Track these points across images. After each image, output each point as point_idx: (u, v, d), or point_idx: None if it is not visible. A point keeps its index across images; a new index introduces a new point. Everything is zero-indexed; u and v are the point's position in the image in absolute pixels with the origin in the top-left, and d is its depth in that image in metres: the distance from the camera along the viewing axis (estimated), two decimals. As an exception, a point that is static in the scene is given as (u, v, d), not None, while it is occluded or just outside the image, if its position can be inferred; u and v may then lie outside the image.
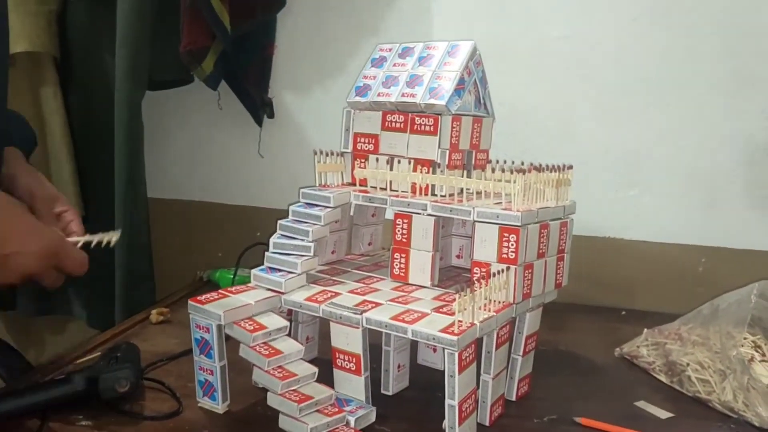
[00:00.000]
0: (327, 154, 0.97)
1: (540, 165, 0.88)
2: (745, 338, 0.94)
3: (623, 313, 1.27)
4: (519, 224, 0.80)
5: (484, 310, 0.79)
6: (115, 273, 1.31)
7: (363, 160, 0.96)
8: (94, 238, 0.88)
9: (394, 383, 0.89)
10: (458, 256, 1.02)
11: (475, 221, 0.83)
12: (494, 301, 0.80)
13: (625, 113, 1.30)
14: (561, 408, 0.86)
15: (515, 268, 0.81)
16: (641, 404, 0.89)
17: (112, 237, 0.88)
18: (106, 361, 0.86)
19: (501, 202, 0.84)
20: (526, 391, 0.91)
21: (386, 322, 0.77)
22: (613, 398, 0.91)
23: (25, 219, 0.78)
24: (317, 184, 0.95)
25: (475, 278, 0.80)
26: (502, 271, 0.80)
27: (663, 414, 0.86)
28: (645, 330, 1.05)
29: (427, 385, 0.91)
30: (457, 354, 0.72)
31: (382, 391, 0.89)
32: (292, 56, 1.45)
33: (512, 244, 0.81)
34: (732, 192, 1.27)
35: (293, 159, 1.47)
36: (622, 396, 0.91)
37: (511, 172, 0.84)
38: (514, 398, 0.89)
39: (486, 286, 0.78)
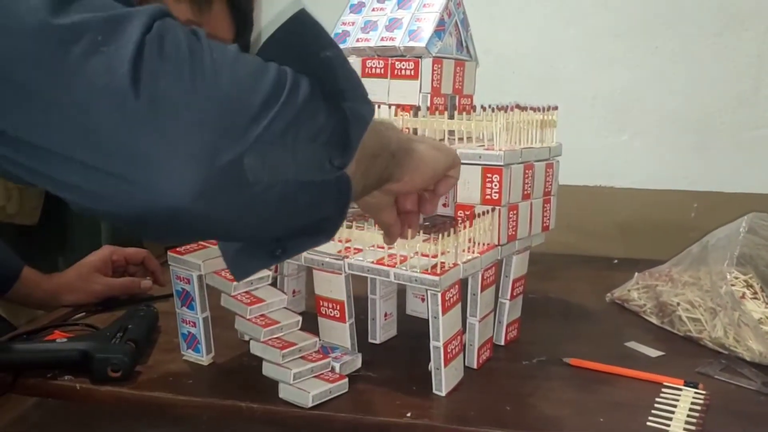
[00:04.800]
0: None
1: (524, 106, 0.86)
2: (736, 277, 0.93)
3: (615, 261, 1.26)
4: (502, 163, 0.78)
5: (468, 252, 0.77)
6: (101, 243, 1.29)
7: (344, 109, 0.94)
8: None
9: (381, 332, 0.88)
10: (444, 205, 1.00)
11: (457, 163, 0.81)
12: (479, 243, 0.78)
13: (613, 58, 1.28)
14: (550, 350, 0.85)
15: (499, 209, 0.79)
16: (631, 344, 0.88)
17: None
18: (114, 330, 0.82)
19: (485, 145, 0.82)
20: (515, 335, 0.90)
21: (368, 266, 0.75)
22: (603, 340, 0.90)
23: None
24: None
25: (459, 220, 0.78)
26: (487, 212, 0.79)
27: (653, 353, 0.85)
28: (636, 274, 1.04)
29: (415, 334, 0.90)
30: (440, 294, 0.71)
31: (370, 340, 0.88)
32: (266, 3, 1.41)
33: (495, 185, 0.79)
34: (722, 135, 1.26)
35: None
36: (613, 338, 0.91)
37: (493, 111, 0.82)
38: (502, 342, 0.88)
39: (470, 227, 0.77)
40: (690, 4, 1.23)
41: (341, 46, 0.92)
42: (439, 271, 0.71)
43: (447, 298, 0.72)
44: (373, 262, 0.75)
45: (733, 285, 0.89)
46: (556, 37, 1.29)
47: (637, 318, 0.98)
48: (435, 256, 0.73)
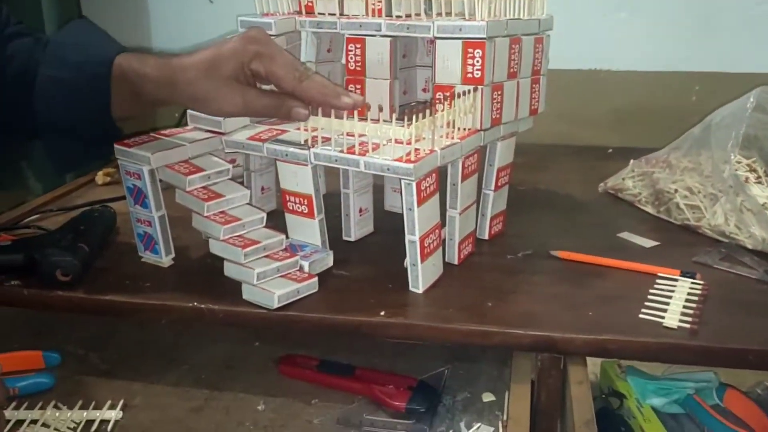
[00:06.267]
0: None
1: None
2: (738, 161, 0.86)
3: (610, 150, 1.18)
4: (485, 36, 0.69)
5: (448, 138, 0.70)
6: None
7: (310, -16, 0.84)
8: None
9: (355, 229, 0.82)
10: (424, 90, 0.91)
11: (435, 38, 0.72)
12: (459, 128, 0.71)
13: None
14: (537, 243, 0.79)
15: (482, 89, 0.71)
16: (624, 235, 0.82)
17: None
18: (65, 233, 0.75)
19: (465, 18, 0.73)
20: (500, 229, 0.84)
21: (336, 156, 0.68)
22: (594, 232, 0.84)
23: None
24: (258, 12, 0.84)
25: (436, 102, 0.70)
26: (468, 92, 0.71)
27: (647, 243, 0.80)
28: (631, 161, 0.97)
29: (393, 230, 0.83)
30: (414, 184, 0.64)
31: (344, 238, 0.82)
32: None
33: (478, 61, 0.71)
34: (726, 11, 1.15)
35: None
36: (605, 229, 0.85)
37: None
38: (486, 237, 0.82)
39: (449, 108, 0.69)
40: None
41: None
42: (413, 159, 0.64)
43: (423, 188, 0.65)
44: (341, 152, 0.68)
45: (736, 170, 0.82)
46: None
47: (631, 208, 0.91)
48: (410, 143, 0.66)
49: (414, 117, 0.65)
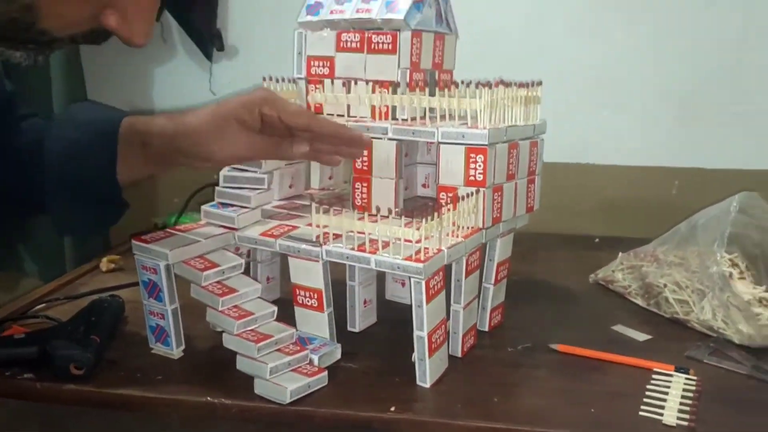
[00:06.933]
0: (277, 81, 0.90)
1: (507, 81, 0.82)
2: (721, 257, 0.91)
3: (597, 240, 1.23)
4: (486, 143, 0.74)
5: (452, 236, 0.74)
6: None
7: (318, 86, 0.89)
8: None
9: (360, 320, 0.85)
10: (424, 185, 0.96)
11: (439, 143, 0.77)
12: (462, 226, 0.75)
13: (596, 32, 1.24)
14: (536, 336, 0.82)
15: (484, 191, 0.76)
16: (618, 328, 0.86)
17: None
18: (76, 324, 0.77)
19: (467, 123, 0.78)
20: (500, 321, 0.87)
21: (347, 254, 0.71)
22: (589, 324, 0.88)
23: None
24: (269, 114, 0.88)
25: (442, 203, 0.74)
26: (471, 194, 0.75)
27: (641, 336, 0.83)
28: (620, 254, 1.02)
29: (396, 320, 0.86)
30: (423, 282, 0.67)
31: (349, 329, 0.84)
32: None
33: (480, 165, 0.75)
34: (704, 110, 1.23)
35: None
36: (599, 321, 0.88)
37: (477, 87, 0.78)
38: (486, 329, 0.85)
39: (454, 210, 0.73)
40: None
41: (314, 18, 0.88)
42: (423, 258, 0.68)
43: (431, 286, 0.69)
44: (352, 249, 0.71)
45: (720, 265, 0.87)
46: (539, 9, 1.25)
47: (622, 300, 0.95)
48: (418, 242, 0.70)
49: (423, 219, 0.69)
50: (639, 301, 0.93)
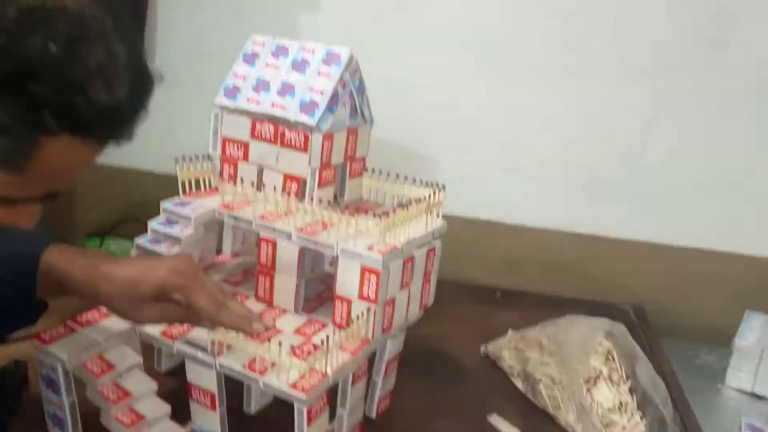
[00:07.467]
0: (191, 159, 0.91)
1: (407, 201, 0.85)
2: (600, 344, 0.99)
3: (498, 294, 1.30)
4: (380, 267, 0.79)
5: (342, 350, 0.78)
6: None
7: (232, 166, 0.91)
8: None
9: (255, 402, 0.90)
10: (332, 264, 1.00)
11: (337, 256, 0.81)
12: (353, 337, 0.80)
13: (511, 100, 1.29)
14: (416, 425, 0.89)
15: (374, 308, 0.80)
16: (493, 420, 0.93)
17: None
18: None
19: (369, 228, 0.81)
20: (387, 405, 0.94)
21: (239, 371, 0.76)
22: (469, 411, 0.95)
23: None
24: (180, 193, 0.90)
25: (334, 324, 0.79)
26: (362, 314, 0.80)
27: (511, 431, 0.91)
28: (509, 331, 1.09)
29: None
30: (305, 409, 0.73)
31: (245, 409, 0.90)
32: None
33: (373, 284, 0.80)
34: (607, 186, 1.31)
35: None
36: (478, 407, 0.96)
37: (375, 216, 0.81)
38: (374, 416, 0.91)
39: (346, 329, 0.78)
40: (590, 57, 1.24)
41: (231, 102, 0.89)
42: (306, 387, 0.73)
43: (314, 412, 0.74)
44: (244, 366, 0.76)
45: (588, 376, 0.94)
46: (459, 71, 1.29)
47: (505, 379, 1.03)
48: (310, 353, 0.75)
49: (310, 351, 0.74)
50: (519, 384, 1.01)
